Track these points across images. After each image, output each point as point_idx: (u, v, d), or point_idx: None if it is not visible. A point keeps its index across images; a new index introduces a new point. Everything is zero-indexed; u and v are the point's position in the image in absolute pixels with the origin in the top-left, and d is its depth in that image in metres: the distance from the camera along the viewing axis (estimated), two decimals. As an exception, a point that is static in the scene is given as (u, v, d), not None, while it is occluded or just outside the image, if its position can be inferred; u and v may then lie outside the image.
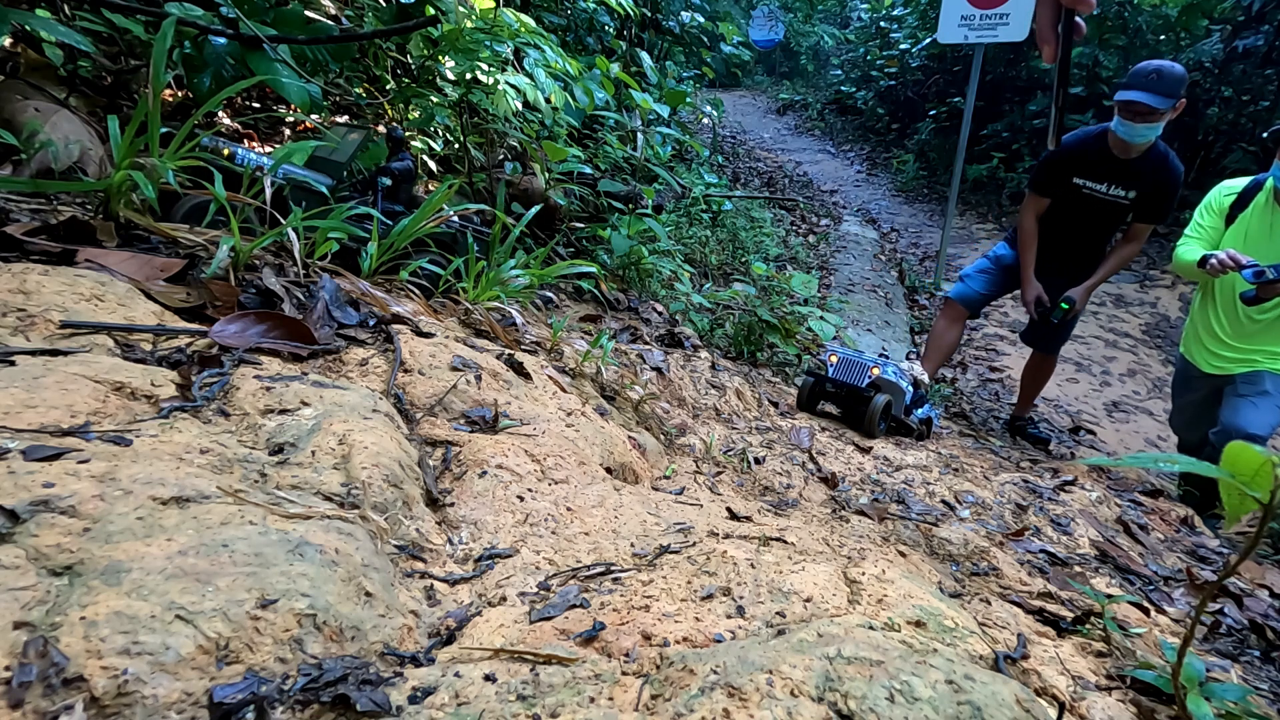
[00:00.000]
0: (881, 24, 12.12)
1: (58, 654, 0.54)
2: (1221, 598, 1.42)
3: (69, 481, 0.70)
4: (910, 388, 2.70)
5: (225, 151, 1.59)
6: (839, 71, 13.95)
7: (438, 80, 2.99)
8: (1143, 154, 3.00)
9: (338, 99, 3.01)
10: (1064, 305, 3.22)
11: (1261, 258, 2.59)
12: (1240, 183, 2.80)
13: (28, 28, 1.85)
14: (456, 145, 3.13)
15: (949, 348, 3.65)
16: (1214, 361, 2.86)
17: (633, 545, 1.05)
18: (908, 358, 3.35)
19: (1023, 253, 3.35)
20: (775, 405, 2.72)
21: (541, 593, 0.87)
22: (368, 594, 0.73)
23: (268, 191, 1.50)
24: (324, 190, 1.76)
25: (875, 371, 2.62)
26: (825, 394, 2.75)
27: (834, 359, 2.69)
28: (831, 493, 1.81)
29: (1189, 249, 2.79)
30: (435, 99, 2.80)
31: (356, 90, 3.04)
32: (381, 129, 2.96)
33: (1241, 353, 2.78)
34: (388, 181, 1.88)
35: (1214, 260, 2.58)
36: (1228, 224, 2.77)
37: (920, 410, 2.83)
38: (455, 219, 2.03)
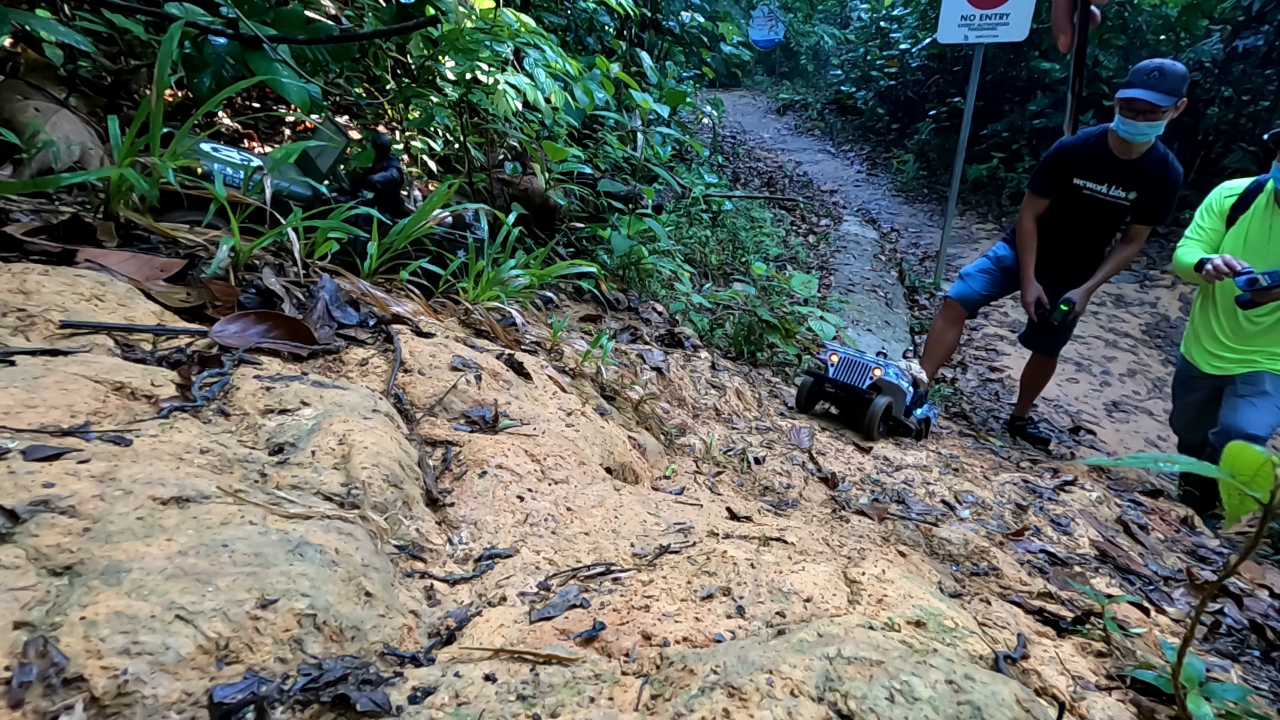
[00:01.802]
0: (881, 24, 12.13)
1: (58, 654, 0.54)
2: (1221, 598, 1.42)
3: (69, 481, 0.70)
4: (910, 388, 2.69)
5: (200, 170, 1.57)
6: (839, 71, 13.96)
7: (438, 80, 2.99)
8: (1143, 155, 2.99)
9: (338, 99, 3.01)
10: (1064, 307, 3.21)
11: (1261, 259, 2.58)
12: (1241, 184, 2.79)
13: (28, 28, 1.85)
14: (456, 145, 3.12)
15: (948, 348, 3.64)
16: (1214, 362, 2.86)
17: (633, 545, 1.05)
18: (905, 356, 3.34)
19: (1022, 254, 3.33)
20: (777, 404, 2.71)
21: (541, 593, 0.87)
22: (368, 594, 0.73)
23: (267, 192, 1.50)
24: (308, 195, 1.76)
25: (877, 372, 2.59)
26: (825, 394, 2.73)
27: (834, 359, 2.67)
28: (831, 493, 1.81)
29: (1188, 251, 2.79)
30: (435, 99, 2.80)
31: (356, 90, 3.04)
32: (382, 128, 2.97)
33: (1241, 354, 2.78)
34: (369, 195, 1.87)
35: (1209, 266, 2.58)
36: (1228, 225, 2.77)
37: (919, 410, 2.82)
38: (449, 219, 2.02)
